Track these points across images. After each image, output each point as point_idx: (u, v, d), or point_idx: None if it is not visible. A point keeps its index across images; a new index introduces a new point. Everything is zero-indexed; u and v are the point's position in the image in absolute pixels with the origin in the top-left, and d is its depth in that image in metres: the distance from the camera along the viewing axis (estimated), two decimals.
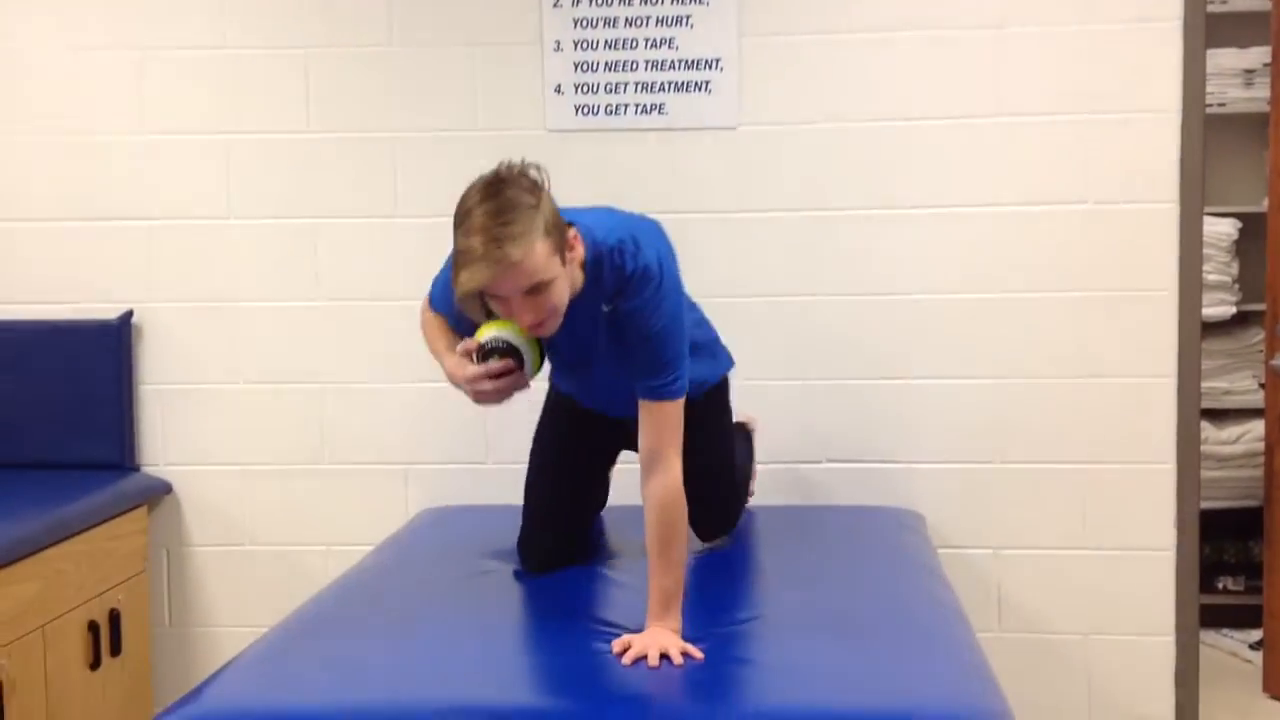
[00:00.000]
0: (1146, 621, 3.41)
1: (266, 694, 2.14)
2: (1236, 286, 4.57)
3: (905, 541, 3.11)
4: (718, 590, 2.64)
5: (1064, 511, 3.41)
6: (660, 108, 3.39)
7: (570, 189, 3.42)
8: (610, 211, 2.54)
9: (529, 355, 2.35)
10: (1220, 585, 4.65)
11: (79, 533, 3.16)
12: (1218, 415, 4.63)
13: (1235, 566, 4.69)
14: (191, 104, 3.51)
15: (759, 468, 3.32)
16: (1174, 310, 3.38)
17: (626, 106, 3.40)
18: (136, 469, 3.55)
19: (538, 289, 2.19)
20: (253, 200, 3.51)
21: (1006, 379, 3.40)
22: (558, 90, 3.41)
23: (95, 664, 3.22)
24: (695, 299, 3.43)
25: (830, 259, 3.42)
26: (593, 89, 3.39)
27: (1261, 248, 4.23)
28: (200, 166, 3.51)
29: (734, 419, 3.24)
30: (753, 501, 3.33)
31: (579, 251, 2.31)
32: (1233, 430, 4.63)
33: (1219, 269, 4.49)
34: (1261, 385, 4.44)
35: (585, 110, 3.41)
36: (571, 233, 2.27)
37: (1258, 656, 4.30)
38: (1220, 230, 4.49)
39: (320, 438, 3.54)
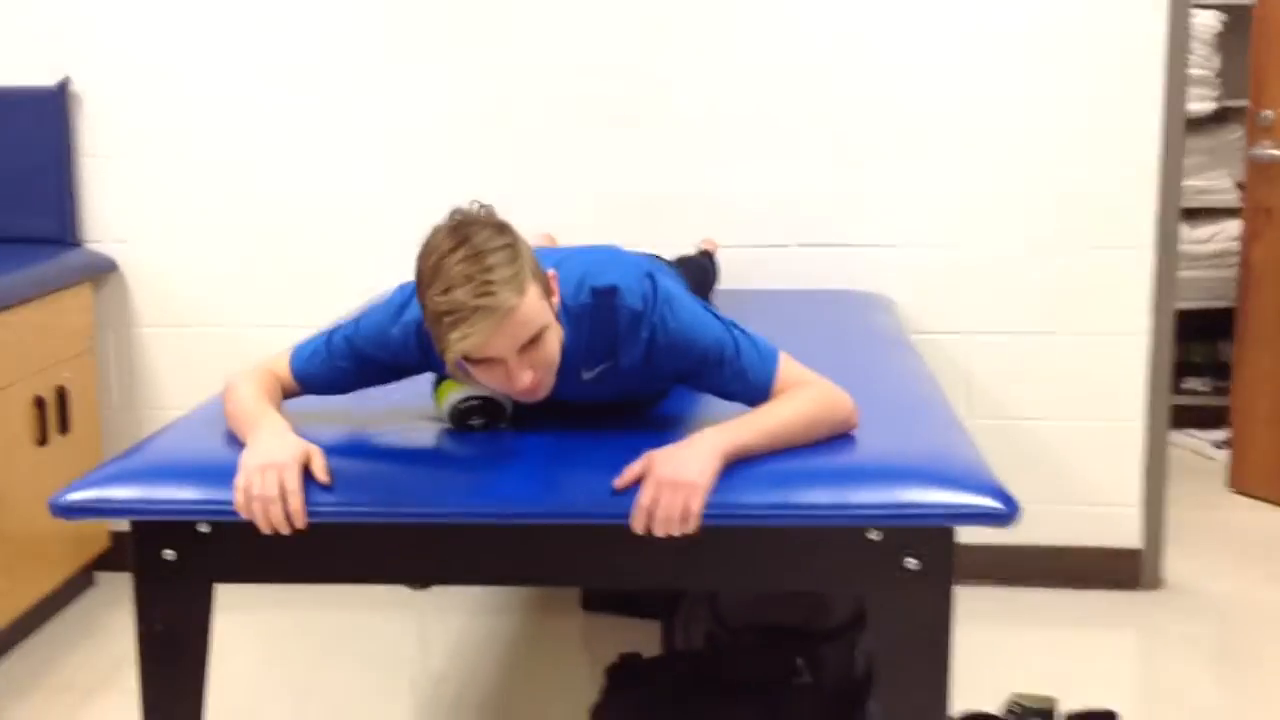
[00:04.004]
0: (1117, 410, 3.38)
1: (210, 446, 2.04)
2: (1219, 81, 4.46)
3: (878, 322, 3.04)
4: None
5: (1036, 297, 3.34)
6: None
7: None
8: (553, 251, 2.19)
9: (508, 405, 2.06)
10: (1186, 385, 4.64)
11: (19, 304, 3.04)
12: (1192, 214, 4.55)
13: (1202, 367, 4.69)
14: None
15: (735, 252, 3.29)
16: (1159, 97, 3.26)
17: None
18: (78, 244, 3.41)
19: (533, 341, 1.87)
20: None
21: (978, 162, 3.29)
22: None
23: (43, 440, 3.13)
24: (666, 83, 3.31)
25: (803, 38, 3.28)
26: None
27: (1246, 42, 4.11)
28: None
29: (698, 249, 3.20)
30: (721, 286, 3.26)
31: (558, 298, 1.96)
32: (1206, 229, 4.57)
33: (1200, 63, 4.37)
34: (1240, 185, 4.37)
35: None
36: (551, 273, 1.96)
37: (1222, 455, 4.32)
38: (1203, 21, 4.34)
39: (273, 212, 3.40)
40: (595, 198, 3.36)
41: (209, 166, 3.40)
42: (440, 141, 3.36)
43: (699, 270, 2.97)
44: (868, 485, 1.90)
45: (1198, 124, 4.44)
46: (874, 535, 1.90)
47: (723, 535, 1.89)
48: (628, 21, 3.29)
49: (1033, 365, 3.37)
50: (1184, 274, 4.43)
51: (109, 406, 3.50)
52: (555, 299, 1.95)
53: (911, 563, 1.90)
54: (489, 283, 1.81)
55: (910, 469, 1.94)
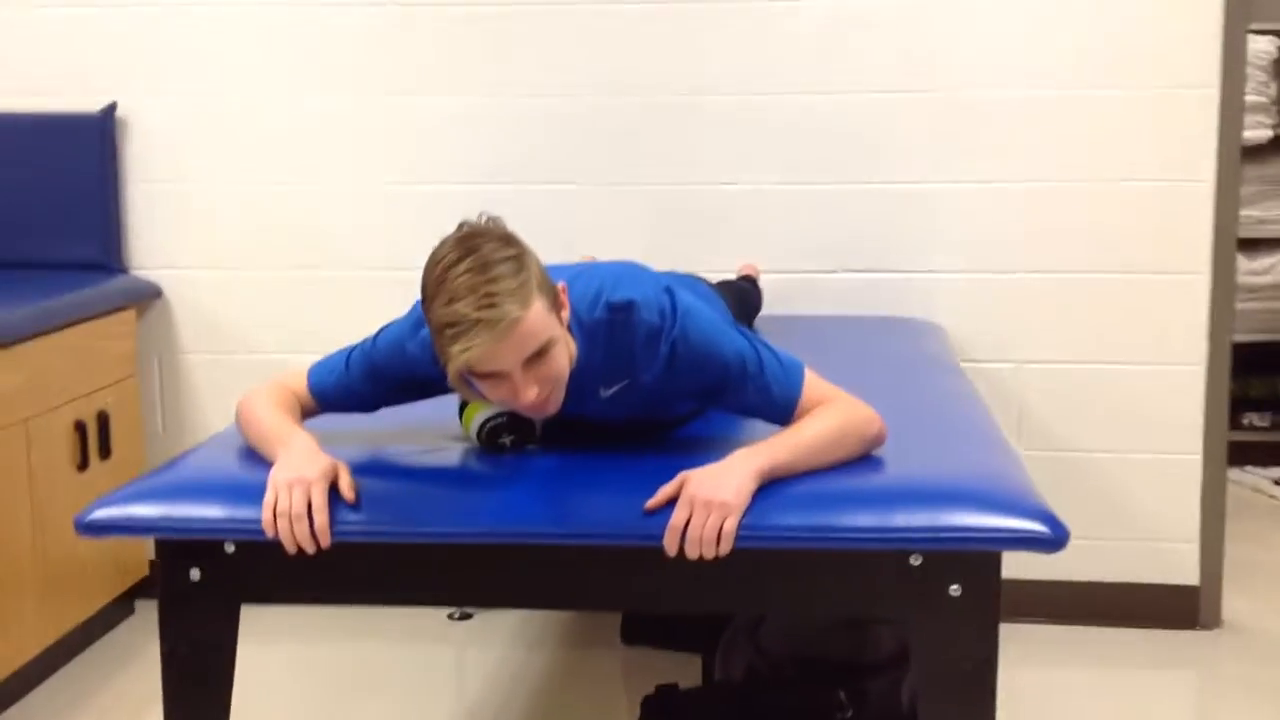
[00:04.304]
0: (1173, 443, 3.28)
1: (237, 465, 2.02)
2: (1276, 109, 4.37)
3: (927, 349, 2.98)
4: None
5: (1089, 326, 3.27)
6: None
7: None
8: (569, 267, 2.12)
9: (538, 423, 2.03)
10: (1245, 421, 4.53)
11: (64, 328, 3.04)
12: (1249, 245, 4.45)
13: (1261, 402, 4.57)
14: None
15: (780, 277, 3.24)
16: (1214, 123, 3.19)
17: None
18: (124, 270, 3.42)
19: (540, 355, 1.84)
20: None
21: (1033, 183, 3.23)
22: None
23: (83, 465, 3.12)
24: (703, 96, 3.28)
25: (849, 55, 3.24)
26: None
27: None
28: None
29: (738, 274, 3.16)
30: (768, 312, 3.21)
31: (568, 312, 1.93)
32: (1264, 260, 4.47)
33: (1257, 89, 4.28)
34: None
35: None
36: (560, 286, 1.92)
37: None
38: (1259, 48, 4.26)
39: (317, 239, 3.40)
40: (631, 220, 3.32)
41: (254, 194, 3.40)
42: (481, 170, 3.34)
43: (741, 294, 2.93)
44: (909, 507, 1.84)
45: (1254, 152, 4.35)
46: (915, 560, 1.84)
47: (757, 557, 1.84)
48: (666, 42, 3.27)
49: (1086, 396, 3.29)
50: (1242, 306, 4.35)
51: (152, 432, 3.49)
52: (566, 313, 1.91)
53: (954, 589, 1.84)
54: (492, 294, 1.77)
55: (954, 491, 1.88)
